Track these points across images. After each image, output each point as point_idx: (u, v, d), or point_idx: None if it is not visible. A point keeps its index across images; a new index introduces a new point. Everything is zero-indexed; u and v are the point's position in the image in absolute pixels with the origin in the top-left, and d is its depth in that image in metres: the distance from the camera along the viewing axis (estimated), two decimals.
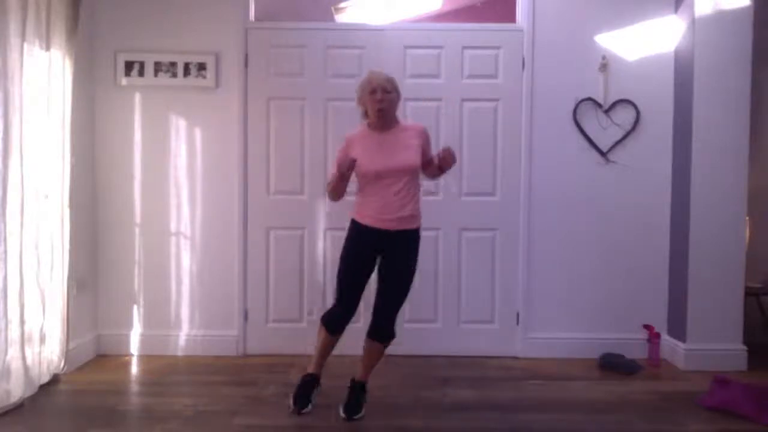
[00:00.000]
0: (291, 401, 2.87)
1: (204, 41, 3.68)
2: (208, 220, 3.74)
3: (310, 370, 2.96)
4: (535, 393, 3.15)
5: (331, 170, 2.93)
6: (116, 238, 3.73)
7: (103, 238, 3.73)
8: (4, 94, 2.74)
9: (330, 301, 3.75)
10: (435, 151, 2.98)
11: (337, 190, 2.86)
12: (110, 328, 3.75)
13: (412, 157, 2.79)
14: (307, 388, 2.90)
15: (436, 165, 2.91)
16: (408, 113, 3.69)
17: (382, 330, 2.85)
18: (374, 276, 2.91)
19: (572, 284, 3.75)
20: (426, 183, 3.71)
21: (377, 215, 2.78)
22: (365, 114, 2.88)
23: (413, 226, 2.84)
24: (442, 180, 3.72)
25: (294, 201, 3.77)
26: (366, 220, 2.82)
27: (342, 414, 2.82)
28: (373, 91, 2.78)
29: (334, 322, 2.89)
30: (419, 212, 2.87)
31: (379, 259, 2.87)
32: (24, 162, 2.88)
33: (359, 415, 2.82)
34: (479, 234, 3.77)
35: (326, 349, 2.95)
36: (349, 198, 2.95)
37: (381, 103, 2.76)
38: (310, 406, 2.87)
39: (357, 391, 2.88)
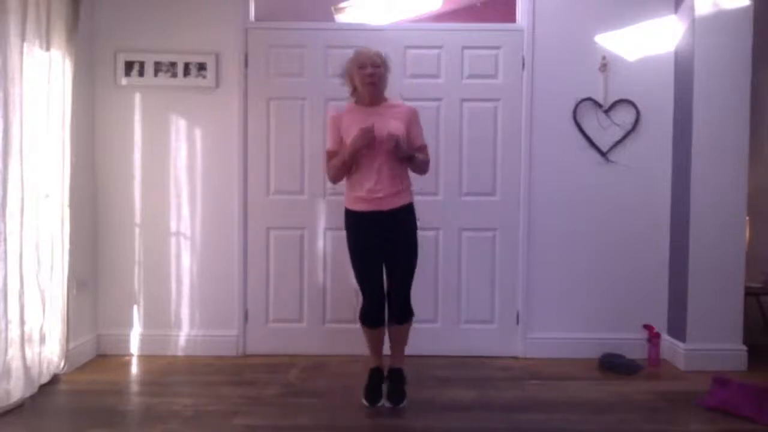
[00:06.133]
0: (363, 399, 2.91)
1: (204, 41, 3.68)
2: (208, 220, 3.74)
3: (372, 364, 3.01)
4: (535, 393, 3.15)
5: (329, 147, 2.93)
6: (116, 238, 3.72)
7: (103, 238, 3.73)
8: (4, 94, 2.74)
9: (330, 300, 3.77)
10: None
11: (342, 169, 2.83)
12: (110, 328, 3.74)
13: (400, 128, 2.80)
14: (375, 383, 2.95)
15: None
16: None
17: (400, 312, 2.91)
18: None
19: (572, 284, 3.75)
20: (426, 183, 3.72)
21: (368, 194, 2.79)
22: (353, 91, 2.89)
23: (404, 201, 2.85)
24: (442, 180, 3.74)
25: (294, 201, 3.76)
26: (358, 205, 2.83)
27: (387, 404, 2.87)
28: (362, 66, 2.80)
29: (371, 317, 2.93)
30: (409, 187, 2.89)
31: (384, 239, 2.88)
32: (24, 162, 2.88)
33: (404, 403, 2.87)
34: (479, 234, 3.77)
35: (377, 342, 3.00)
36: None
37: (371, 77, 2.78)
38: (382, 401, 2.91)
39: (396, 379, 2.94)
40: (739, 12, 3.45)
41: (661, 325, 3.72)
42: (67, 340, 3.28)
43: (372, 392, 2.92)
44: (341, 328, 3.76)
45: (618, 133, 3.70)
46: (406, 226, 2.88)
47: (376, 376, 2.99)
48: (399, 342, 2.99)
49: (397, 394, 2.89)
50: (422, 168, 2.93)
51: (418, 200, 3.66)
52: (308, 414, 2.84)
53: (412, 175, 2.97)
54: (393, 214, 2.82)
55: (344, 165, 2.83)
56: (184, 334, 3.75)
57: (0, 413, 2.75)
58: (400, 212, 2.84)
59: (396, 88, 3.45)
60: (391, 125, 2.79)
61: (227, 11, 3.68)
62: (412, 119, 2.89)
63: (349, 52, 3.68)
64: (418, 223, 2.96)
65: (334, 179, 2.94)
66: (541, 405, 2.98)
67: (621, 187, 3.72)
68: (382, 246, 2.86)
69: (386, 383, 2.97)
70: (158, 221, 3.73)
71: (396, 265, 2.88)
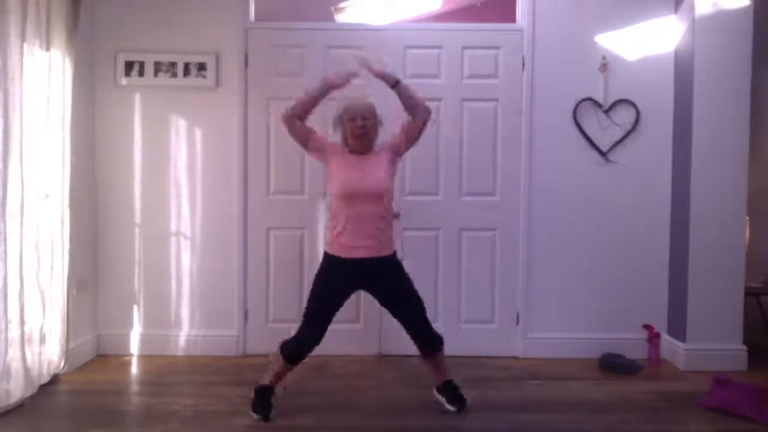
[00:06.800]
0: (254, 414, 2.77)
1: (204, 41, 3.68)
2: (208, 220, 3.74)
3: (266, 382, 2.84)
4: (535, 393, 3.15)
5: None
6: (116, 238, 3.72)
7: (103, 238, 3.73)
8: (4, 94, 2.74)
9: None
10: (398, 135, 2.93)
11: (304, 107, 2.85)
12: (110, 328, 3.74)
13: (382, 179, 2.78)
14: (266, 398, 2.81)
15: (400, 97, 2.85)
16: None
17: (429, 342, 2.88)
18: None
19: (572, 284, 3.75)
20: (426, 183, 3.72)
21: (351, 242, 2.74)
22: (344, 141, 2.87)
23: (388, 251, 2.82)
24: (442, 180, 3.74)
25: (294, 201, 3.76)
26: (340, 251, 2.77)
27: (453, 409, 2.86)
28: (352, 119, 2.78)
29: (299, 353, 2.80)
30: (392, 238, 2.86)
31: (368, 291, 2.88)
32: (24, 162, 2.88)
33: (467, 403, 2.88)
34: (479, 234, 3.77)
35: (284, 374, 2.86)
36: None
37: (362, 129, 2.77)
38: (273, 411, 2.79)
39: (452, 389, 2.91)
40: (739, 12, 3.45)
41: (661, 325, 3.72)
42: (67, 340, 3.28)
43: (266, 408, 2.77)
44: (341, 328, 3.72)
45: (618, 133, 3.70)
46: (398, 268, 2.86)
47: (268, 394, 2.82)
48: (440, 363, 2.93)
49: (460, 400, 2.88)
50: (416, 101, 2.84)
51: (418, 200, 3.68)
52: (308, 414, 2.84)
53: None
54: (380, 262, 2.78)
55: (301, 104, 2.85)
56: (184, 334, 3.75)
57: (0, 413, 2.75)
58: (387, 260, 2.81)
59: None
60: (379, 175, 2.77)
61: (227, 11, 3.68)
62: (389, 143, 2.87)
63: (349, 52, 3.71)
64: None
65: (291, 115, 2.88)
66: (541, 405, 2.99)
67: (621, 187, 3.72)
68: (366, 292, 2.89)
69: (447, 395, 2.90)
70: (158, 221, 3.73)
71: (405, 305, 2.84)
